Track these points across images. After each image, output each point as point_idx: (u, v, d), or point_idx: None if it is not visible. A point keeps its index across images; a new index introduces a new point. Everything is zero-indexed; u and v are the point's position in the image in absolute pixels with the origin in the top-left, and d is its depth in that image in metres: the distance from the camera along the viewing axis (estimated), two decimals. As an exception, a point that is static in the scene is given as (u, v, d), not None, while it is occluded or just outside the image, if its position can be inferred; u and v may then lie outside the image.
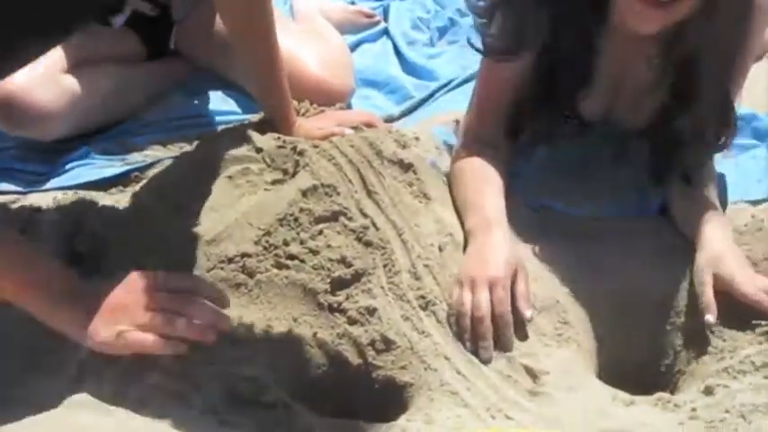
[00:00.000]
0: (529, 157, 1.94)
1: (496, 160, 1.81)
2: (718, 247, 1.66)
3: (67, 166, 2.01)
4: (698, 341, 1.64)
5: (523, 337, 1.59)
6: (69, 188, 1.93)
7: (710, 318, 1.60)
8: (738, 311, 1.62)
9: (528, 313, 1.58)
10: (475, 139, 1.85)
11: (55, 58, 2.03)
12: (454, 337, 1.57)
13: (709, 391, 1.52)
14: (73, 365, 1.43)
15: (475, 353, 1.55)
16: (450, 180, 1.84)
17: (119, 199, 1.86)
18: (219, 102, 2.22)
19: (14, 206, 1.86)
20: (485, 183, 1.77)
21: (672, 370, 1.67)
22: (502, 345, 1.55)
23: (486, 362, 1.53)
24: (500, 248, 1.63)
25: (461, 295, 1.58)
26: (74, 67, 2.06)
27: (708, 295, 1.62)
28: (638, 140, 1.87)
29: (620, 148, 1.89)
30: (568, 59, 1.74)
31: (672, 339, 1.69)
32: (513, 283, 1.60)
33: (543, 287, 1.67)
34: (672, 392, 1.57)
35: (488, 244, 1.64)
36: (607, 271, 1.72)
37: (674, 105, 1.76)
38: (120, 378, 1.42)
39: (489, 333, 1.55)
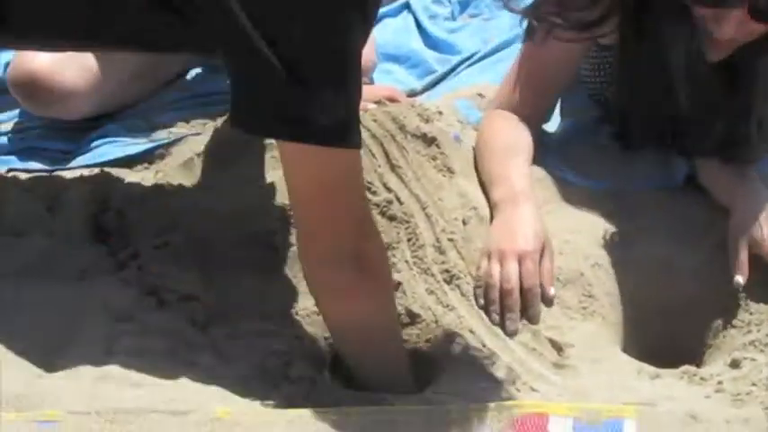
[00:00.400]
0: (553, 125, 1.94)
1: (525, 132, 1.80)
2: (753, 209, 1.65)
3: (93, 144, 2.02)
4: (724, 314, 1.64)
5: (548, 310, 1.59)
6: (95, 166, 1.94)
7: (740, 279, 1.61)
8: (765, 283, 1.61)
9: (552, 291, 1.57)
10: (506, 109, 1.84)
11: (79, 36, 2.04)
12: (479, 310, 1.57)
13: (735, 365, 1.52)
14: (104, 338, 1.45)
15: (501, 325, 1.55)
16: (477, 152, 1.83)
17: (144, 176, 1.87)
18: (243, 78, 2.21)
19: (41, 185, 1.87)
20: (512, 155, 1.76)
21: (698, 343, 1.67)
22: (529, 317, 1.55)
23: (512, 334, 1.53)
24: (529, 221, 1.63)
25: (490, 267, 1.58)
26: (98, 47, 2.07)
27: (741, 256, 1.61)
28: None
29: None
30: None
31: (698, 312, 1.68)
32: (540, 257, 1.60)
33: (568, 260, 1.67)
34: (698, 366, 1.57)
35: (516, 216, 1.64)
36: (633, 244, 1.72)
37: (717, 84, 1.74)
38: (148, 352, 1.44)
39: (517, 306, 1.55)
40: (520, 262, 1.57)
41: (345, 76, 1.30)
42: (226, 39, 1.31)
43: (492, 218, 1.69)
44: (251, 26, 1.26)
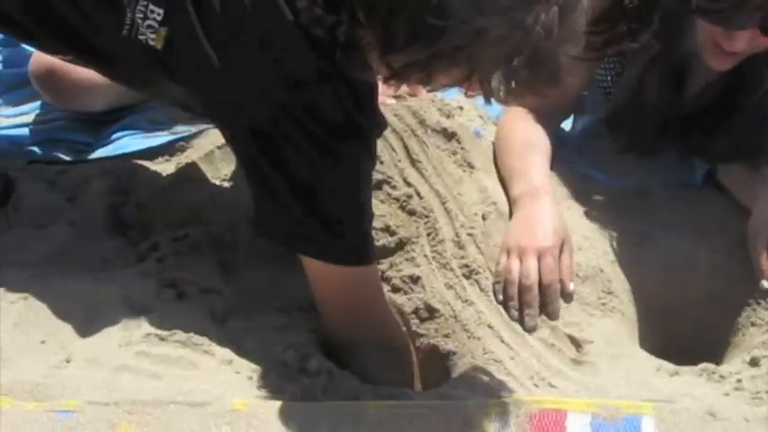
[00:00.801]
0: (573, 124, 1.93)
1: (544, 130, 1.80)
2: None
3: (114, 136, 2.02)
4: (744, 312, 1.63)
5: (567, 306, 1.58)
6: (116, 158, 1.95)
7: (766, 284, 1.59)
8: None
9: (571, 286, 1.58)
10: (524, 110, 1.83)
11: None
12: (498, 305, 1.57)
13: (754, 363, 1.51)
14: (123, 329, 1.46)
15: (520, 321, 1.55)
16: (496, 147, 1.83)
17: (165, 168, 1.88)
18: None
19: (62, 176, 1.88)
20: (532, 150, 1.76)
21: (717, 340, 1.66)
22: (549, 313, 1.56)
23: (530, 330, 1.54)
24: (548, 217, 1.62)
25: (509, 263, 1.58)
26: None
27: (762, 261, 1.60)
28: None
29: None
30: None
31: (717, 309, 1.67)
32: (560, 253, 1.59)
33: (587, 256, 1.66)
34: (717, 363, 1.56)
35: (536, 212, 1.64)
36: (652, 241, 1.71)
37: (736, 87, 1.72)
38: (167, 343, 1.44)
39: (536, 302, 1.55)
40: (539, 258, 1.57)
41: (362, 213, 1.41)
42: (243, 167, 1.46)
43: (511, 213, 1.69)
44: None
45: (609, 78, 1.87)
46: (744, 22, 1.51)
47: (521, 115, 1.83)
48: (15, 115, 2.11)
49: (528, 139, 1.78)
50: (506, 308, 1.57)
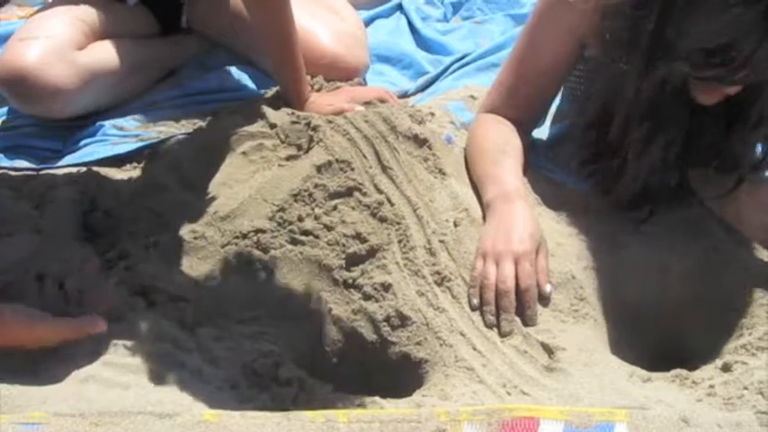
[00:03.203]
0: (544, 131, 1.93)
1: (516, 135, 1.79)
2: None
3: (81, 143, 2.00)
4: (716, 317, 1.63)
5: (540, 313, 1.58)
6: (83, 165, 1.93)
7: None
8: (757, 287, 1.60)
9: (548, 288, 1.58)
10: (497, 113, 1.83)
11: (69, 35, 2.02)
12: (471, 311, 1.56)
13: (727, 368, 1.51)
14: (91, 339, 1.43)
15: (495, 326, 1.54)
16: (468, 153, 1.82)
17: (133, 175, 1.86)
18: (233, 78, 2.21)
19: (29, 183, 1.86)
20: (505, 155, 1.75)
21: (689, 346, 1.66)
22: (525, 319, 1.55)
23: (506, 335, 1.53)
24: (524, 221, 1.62)
25: (486, 268, 1.58)
26: (88, 45, 2.05)
27: None
28: None
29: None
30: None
31: (690, 315, 1.67)
32: (535, 256, 1.59)
33: (560, 263, 1.66)
34: (690, 369, 1.56)
35: (511, 216, 1.63)
36: (625, 246, 1.71)
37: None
38: (135, 353, 1.42)
39: (513, 307, 1.55)
40: (516, 262, 1.57)
41: None
42: None
43: (485, 217, 1.68)
44: None
45: (581, 87, 1.87)
46: (738, 81, 1.51)
47: (492, 122, 1.83)
48: (-20, 121, 2.09)
49: (501, 145, 1.78)
50: (482, 313, 1.56)
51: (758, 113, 1.62)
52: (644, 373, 1.52)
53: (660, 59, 1.53)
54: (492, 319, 1.56)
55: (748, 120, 1.64)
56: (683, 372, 1.52)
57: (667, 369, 1.55)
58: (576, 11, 1.66)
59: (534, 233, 1.61)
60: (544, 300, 1.57)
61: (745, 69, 1.46)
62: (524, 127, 1.84)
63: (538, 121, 1.91)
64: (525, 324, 1.55)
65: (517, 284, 1.56)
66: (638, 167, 1.67)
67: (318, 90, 2.05)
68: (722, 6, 1.41)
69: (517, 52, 1.80)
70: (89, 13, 2.11)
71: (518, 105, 1.82)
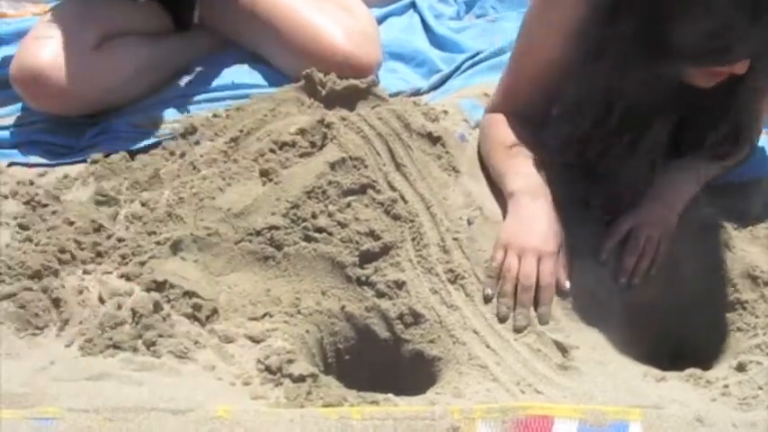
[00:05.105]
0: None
1: (531, 132, 1.79)
2: None
3: (95, 139, 2.01)
4: (730, 317, 1.62)
5: (553, 311, 1.57)
6: (96, 160, 1.92)
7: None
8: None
9: (567, 284, 1.58)
10: (504, 112, 1.83)
11: (83, 33, 2.03)
12: (484, 303, 1.56)
13: (741, 368, 1.50)
14: (102, 334, 1.44)
15: (507, 318, 1.55)
16: (484, 147, 1.81)
17: (146, 171, 1.85)
18: (246, 74, 2.20)
19: (42, 179, 1.86)
20: (523, 150, 1.74)
21: (704, 345, 1.65)
22: (541, 314, 1.56)
23: (520, 330, 1.53)
24: (548, 219, 1.62)
25: (508, 260, 1.58)
26: (101, 43, 2.06)
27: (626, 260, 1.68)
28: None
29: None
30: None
31: (703, 314, 1.67)
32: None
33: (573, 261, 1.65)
34: (704, 369, 1.55)
35: (537, 212, 1.63)
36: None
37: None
38: (149, 349, 1.43)
39: (531, 302, 1.55)
40: (539, 260, 1.57)
41: None
42: None
43: (504, 209, 1.67)
44: None
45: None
46: (736, 58, 1.51)
47: (503, 118, 1.82)
48: (-3, 117, 2.10)
49: (518, 140, 1.77)
50: (498, 303, 1.56)
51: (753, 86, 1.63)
52: (658, 372, 1.52)
53: (657, 58, 1.53)
54: (506, 311, 1.56)
55: (744, 93, 1.64)
56: (697, 371, 1.51)
57: (681, 368, 1.54)
58: (566, 5, 1.65)
59: (558, 232, 1.61)
60: (563, 294, 1.57)
61: (742, 51, 1.46)
62: (534, 121, 1.83)
63: (546, 115, 1.90)
64: (539, 321, 1.55)
65: (537, 281, 1.57)
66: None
67: (330, 87, 2.04)
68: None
69: (516, 51, 1.81)
70: (102, 12, 2.11)
71: (523, 103, 1.81)
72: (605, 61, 1.59)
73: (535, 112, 1.81)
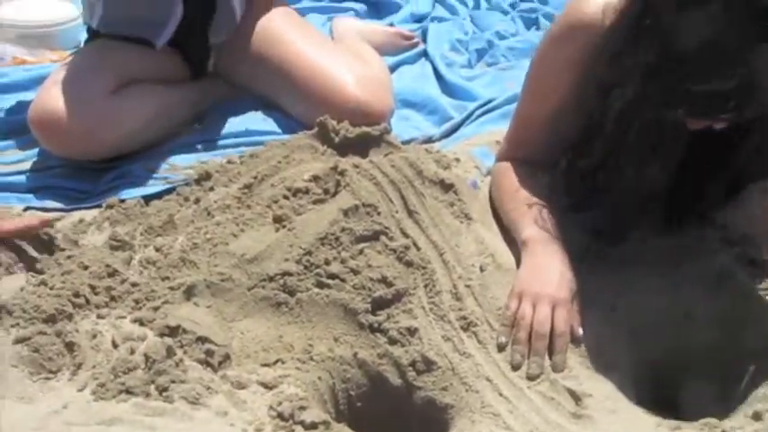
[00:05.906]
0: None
1: (540, 175, 1.80)
2: None
3: (110, 184, 2.03)
4: (745, 364, 1.61)
5: (566, 359, 1.57)
6: (112, 206, 1.93)
7: None
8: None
9: (580, 330, 1.58)
10: (519, 154, 1.84)
11: (101, 80, 2.06)
12: (497, 352, 1.56)
13: (757, 417, 1.49)
14: (115, 379, 1.44)
15: (521, 366, 1.54)
16: (496, 194, 1.82)
17: (161, 216, 1.86)
18: (259, 121, 2.23)
19: (58, 223, 1.87)
20: (537, 197, 1.75)
21: (718, 394, 1.64)
22: (556, 363, 1.55)
23: (533, 378, 1.53)
24: (561, 267, 1.63)
25: (523, 308, 1.58)
26: (118, 89, 2.09)
27: None
28: None
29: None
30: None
31: (718, 362, 1.66)
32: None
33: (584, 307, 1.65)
34: (719, 419, 1.54)
35: (551, 260, 1.64)
36: (651, 291, 1.70)
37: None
38: (161, 395, 1.42)
39: (545, 350, 1.55)
40: (553, 308, 1.57)
41: None
42: None
43: (518, 258, 1.68)
44: None
45: None
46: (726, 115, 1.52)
47: (514, 166, 1.83)
48: (14, 162, 2.11)
49: (527, 188, 1.78)
50: (512, 351, 1.56)
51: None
52: (672, 422, 1.50)
53: (659, 104, 1.53)
54: (519, 359, 1.55)
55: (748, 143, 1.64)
56: (713, 420, 1.50)
57: (696, 418, 1.53)
58: (575, 48, 1.67)
59: (572, 280, 1.62)
60: (576, 341, 1.57)
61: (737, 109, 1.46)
62: (545, 166, 1.84)
63: (558, 160, 1.90)
64: (554, 369, 1.55)
65: (552, 329, 1.57)
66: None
67: (343, 135, 2.06)
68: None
69: (523, 97, 1.82)
70: (120, 58, 2.15)
71: (532, 149, 1.83)
72: (614, 100, 1.59)
73: (545, 156, 1.82)
